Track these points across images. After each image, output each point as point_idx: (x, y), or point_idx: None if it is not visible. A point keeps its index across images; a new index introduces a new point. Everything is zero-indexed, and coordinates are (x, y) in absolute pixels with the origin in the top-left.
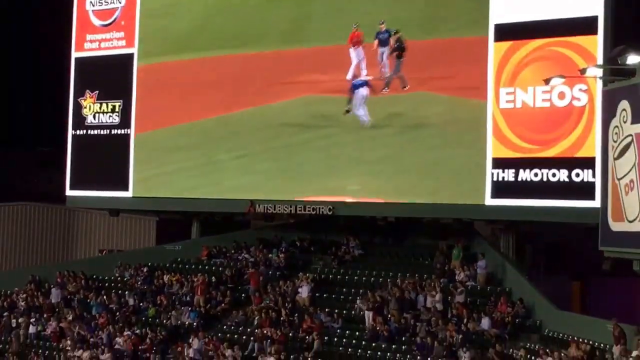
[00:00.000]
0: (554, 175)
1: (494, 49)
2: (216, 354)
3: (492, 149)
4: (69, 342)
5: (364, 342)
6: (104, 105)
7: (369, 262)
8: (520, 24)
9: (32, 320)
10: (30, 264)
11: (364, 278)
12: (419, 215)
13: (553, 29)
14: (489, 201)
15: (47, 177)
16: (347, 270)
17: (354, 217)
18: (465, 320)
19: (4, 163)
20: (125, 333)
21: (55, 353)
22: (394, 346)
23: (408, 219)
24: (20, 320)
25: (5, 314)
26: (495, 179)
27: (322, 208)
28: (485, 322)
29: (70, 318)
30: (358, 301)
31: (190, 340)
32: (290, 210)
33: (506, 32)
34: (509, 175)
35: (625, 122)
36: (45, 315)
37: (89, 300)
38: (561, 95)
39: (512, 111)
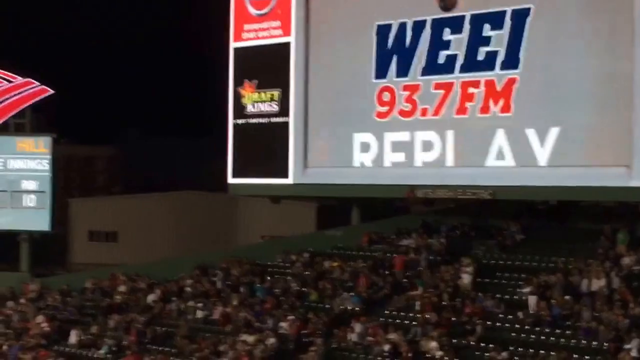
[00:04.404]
0: None
1: None
2: (379, 339)
3: None
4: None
5: (527, 327)
6: (263, 94)
7: (531, 246)
8: None
9: (200, 305)
10: (193, 250)
11: (525, 263)
12: (580, 198)
13: None
14: None
15: (209, 166)
16: (509, 255)
17: (514, 201)
18: (631, 305)
19: (167, 153)
20: (289, 317)
21: (222, 337)
22: (557, 331)
23: (569, 202)
24: (188, 305)
25: (174, 299)
26: None
27: (482, 192)
28: None
29: (236, 303)
30: (521, 286)
31: (353, 325)
32: (450, 195)
33: None
34: None
35: None
36: (211, 300)
37: (254, 286)
38: None
39: None
